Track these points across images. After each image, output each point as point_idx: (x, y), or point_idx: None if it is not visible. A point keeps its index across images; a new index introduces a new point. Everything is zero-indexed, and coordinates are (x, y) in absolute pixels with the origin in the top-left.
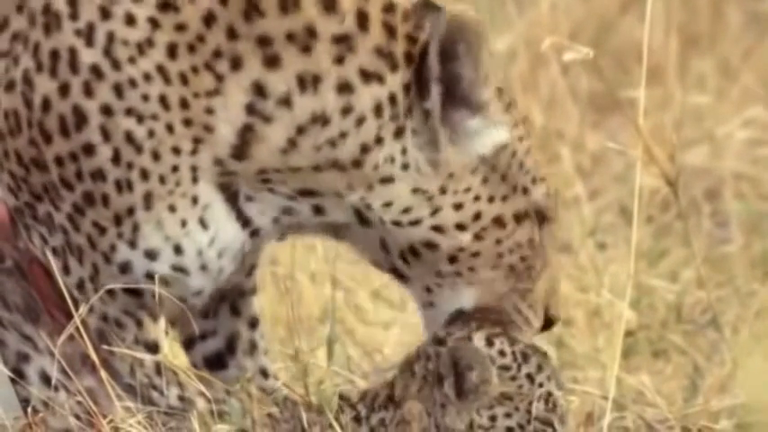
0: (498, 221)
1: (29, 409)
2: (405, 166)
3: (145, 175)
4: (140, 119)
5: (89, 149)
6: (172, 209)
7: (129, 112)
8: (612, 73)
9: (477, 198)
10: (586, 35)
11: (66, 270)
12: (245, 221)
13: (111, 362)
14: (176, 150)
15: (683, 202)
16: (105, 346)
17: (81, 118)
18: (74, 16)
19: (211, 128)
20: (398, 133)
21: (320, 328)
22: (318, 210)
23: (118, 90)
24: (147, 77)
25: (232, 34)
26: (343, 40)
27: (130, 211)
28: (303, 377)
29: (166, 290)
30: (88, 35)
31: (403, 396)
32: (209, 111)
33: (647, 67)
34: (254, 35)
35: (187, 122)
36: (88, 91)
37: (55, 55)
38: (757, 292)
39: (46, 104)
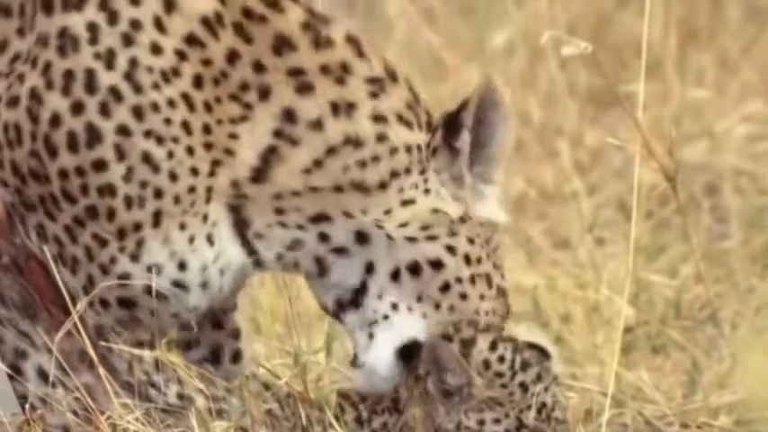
0: (489, 280)
1: (27, 406)
2: (427, 192)
3: (159, 194)
4: (160, 141)
5: (100, 165)
6: (182, 227)
7: (149, 134)
8: (611, 67)
9: (482, 246)
10: (585, 29)
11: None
12: (250, 250)
13: (108, 359)
14: (194, 171)
15: (682, 198)
16: (103, 343)
17: (94, 135)
18: (93, 41)
19: (233, 152)
20: (424, 170)
21: (319, 324)
22: (324, 237)
23: (137, 112)
24: (171, 103)
25: (259, 68)
26: (376, 82)
27: (137, 227)
28: (302, 374)
29: (161, 304)
30: (108, 59)
31: (408, 400)
32: (234, 136)
33: (646, 62)
34: (284, 67)
35: (208, 146)
36: (105, 111)
37: (69, 75)
38: (756, 287)
39: (55, 120)
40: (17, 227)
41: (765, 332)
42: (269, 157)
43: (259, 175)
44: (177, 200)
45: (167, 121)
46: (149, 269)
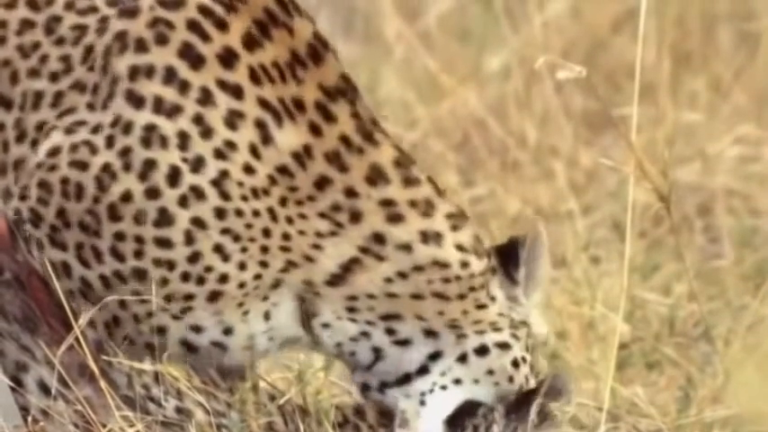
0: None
1: (29, 419)
2: (493, 299)
3: (224, 279)
4: (237, 239)
5: (164, 243)
6: (240, 305)
7: (226, 231)
8: (605, 91)
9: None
10: (579, 54)
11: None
12: (312, 335)
13: (108, 373)
14: (265, 265)
15: (675, 218)
16: (104, 357)
17: (166, 219)
18: (182, 147)
19: (313, 259)
20: (490, 285)
21: None
22: (391, 332)
23: (219, 213)
24: (256, 213)
25: (352, 194)
26: (454, 217)
27: (189, 297)
28: (301, 387)
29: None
30: (195, 165)
31: None
32: (317, 247)
33: (640, 86)
34: (377, 197)
35: (285, 249)
36: (183, 203)
37: (151, 164)
38: (749, 305)
39: (126, 197)
40: (19, 243)
41: (758, 349)
42: (351, 266)
43: (336, 280)
44: (241, 285)
45: (248, 226)
46: (192, 329)
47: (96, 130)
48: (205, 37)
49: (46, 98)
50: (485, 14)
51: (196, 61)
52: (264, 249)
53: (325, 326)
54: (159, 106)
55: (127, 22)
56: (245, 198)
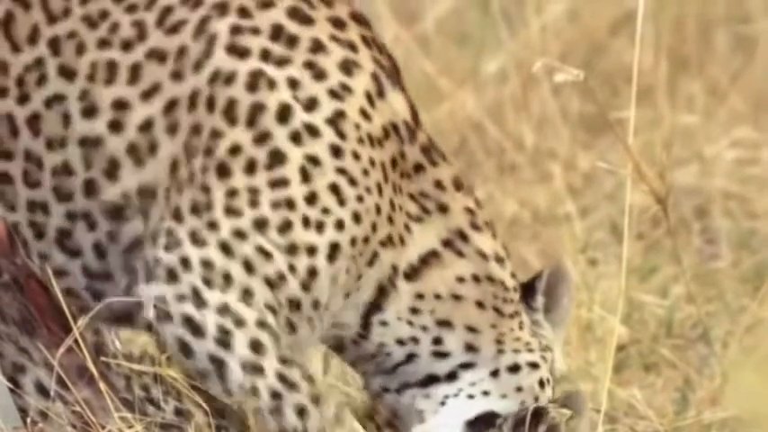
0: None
1: (28, 420)
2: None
3: (340, 225)
4: (353, 183)
5: (279, 183)
6: (348, 271)
7: (342, 171)
8: (603, 94)
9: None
10: (576, 57)
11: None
12: (363, 330)
13: (107, 375)
14: (374, 228)
15: (672, 220)
16: (103, 359)
17: (278, 158)
18: (294, 87)
19: (404, 241)
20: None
21: None
22: (437, 341)
23: (335, 151)
24: (372, 162)
25: (440, 186)
26: (505, 248)
27: (311, 251)
28: None
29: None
30: (308, 104)
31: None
32: (408, 228)
33: (637, 89)
34: (462, 202)
35: (390, 220)
36: (295, 139)
37: (258, 107)
38: (746, 307)
39: (234, 150)
40: (17, 246)
41: (756, 351)
42: (430, 259)
43: (413, 273)
44: (353, 242)
45: (364, 172)
46: (314, 305)
47: (194, 101)
48: (312, 6)
49: (120, 71)
50: (482, 18)
51: (305, 20)
52: (378, 209)
53: (383, 323)
54: (267, 56)
55: None
56: (361, 141)
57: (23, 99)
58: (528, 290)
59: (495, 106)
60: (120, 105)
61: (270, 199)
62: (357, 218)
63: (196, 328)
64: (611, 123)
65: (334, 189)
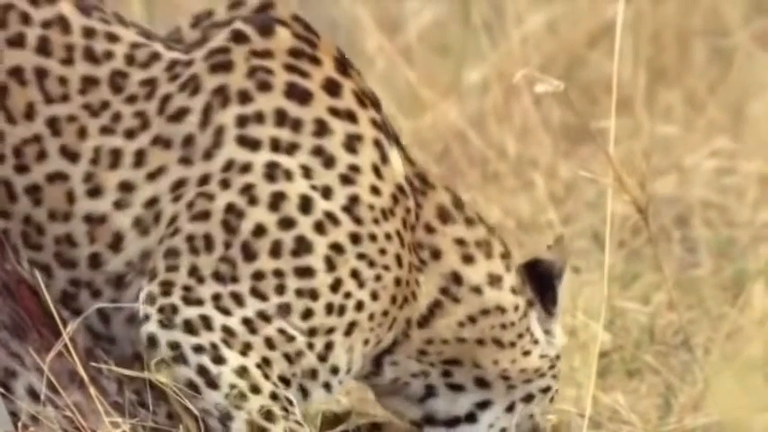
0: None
1: (19, 424)
2: (536, 342)
3: (360, 306)
4: (372, 264)
5: (306, 272)
6: (366, 342)
7: (362, 257)
8: (583, 104)
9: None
10: (557, 68)
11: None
12: (375, 369)
13: (98, 380)
14: (393, 300)
15: (653, 229)
16: (94, 364)
17: (304, 247)
18: (307, 176)
19: (416, 295)
20: (530, 323)
21: None
22: (447, 374)
23: (354, 238)
24: (388, 237)
25: (430, 230)
26: (506, 257)
27: (330, 331)
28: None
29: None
30: (325, 192)
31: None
32: (417, 282)
33: (617, 99)
34: (451, 235)
35: (407, 283)
36: (319, 229)
37: (280, 196)
38: (727, 314)
39: (258, 231)
40: (8, 253)
41: (736, 357)
42: (434, 309)
43: (424, 321)
44: (371, 317)
45: (382, 252)
46: (332, 370)
47: (205, 180)
48: (305, 74)
49: (125, 157)
50: (464, 29)
51: (304, 97)
52: (397, 282)
53: (394, 363)
54: (277, 145)
55: (223, 77)
56: (376, 221)
57: (22, 169)
58: (544, 291)
59: (478, 116)
60: (126, 187)
61: (295, 287)
62: (375, 296)
63: (210, 381)
64: (591, 133)
65: (355, 274)
